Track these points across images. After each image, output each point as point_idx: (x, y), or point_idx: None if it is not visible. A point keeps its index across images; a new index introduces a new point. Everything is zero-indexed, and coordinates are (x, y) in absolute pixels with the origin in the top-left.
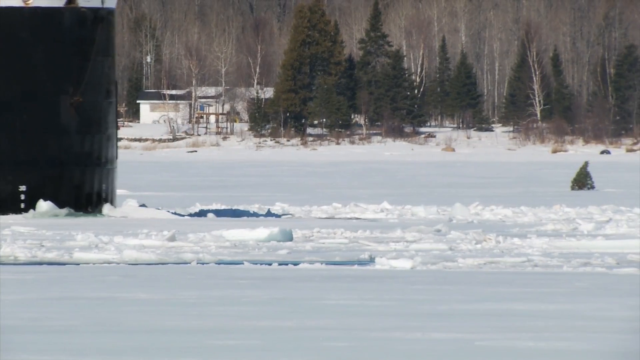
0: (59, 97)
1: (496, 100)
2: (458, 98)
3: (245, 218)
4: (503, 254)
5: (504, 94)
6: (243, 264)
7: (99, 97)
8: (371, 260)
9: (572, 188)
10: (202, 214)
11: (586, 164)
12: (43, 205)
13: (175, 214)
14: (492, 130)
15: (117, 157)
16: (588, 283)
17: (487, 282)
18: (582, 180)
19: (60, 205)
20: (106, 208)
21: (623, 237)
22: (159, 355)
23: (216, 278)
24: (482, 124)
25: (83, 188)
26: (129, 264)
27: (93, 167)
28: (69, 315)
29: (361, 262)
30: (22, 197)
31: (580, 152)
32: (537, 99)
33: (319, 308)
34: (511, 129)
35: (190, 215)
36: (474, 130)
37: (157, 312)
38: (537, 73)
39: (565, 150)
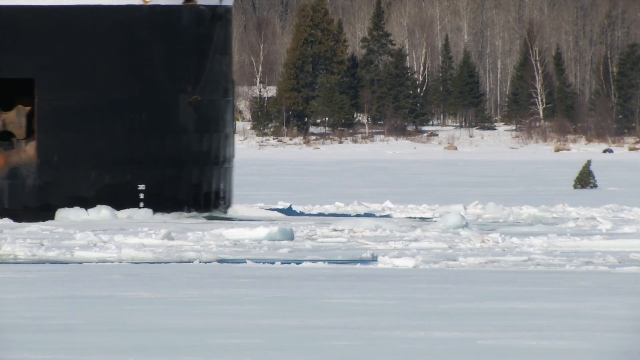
0: (177, 96)
1: (499, 99)
2: (460, 97)
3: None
4: (505, 252)
5: (507, 93)
6: (245, 262)
7: (217, 95)
8: (374, 259)
9: (575, 187)
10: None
11: (589, 162)
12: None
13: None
14: (495, 129)
15: (234, 156)
16: (590, 282)
17: (489, 281)
18: (585, 179)
19: (179, 205)
20: (231, 208)
21: (624, 237)
22: (161, 354)
23: (218, 277)
24: (485, 122)
25: (201, 187)
26: (131, 263)
27: (211, 166)
28: (70, 314)
29: (364, 261)
30: (141, 196)
31: (583, 150)
32: (539, 97)
33: (321, 307)
34: (514, 127)
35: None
36: (477, 128)
37: (160, 311)
38: (540, 72)
39: (568, 149)
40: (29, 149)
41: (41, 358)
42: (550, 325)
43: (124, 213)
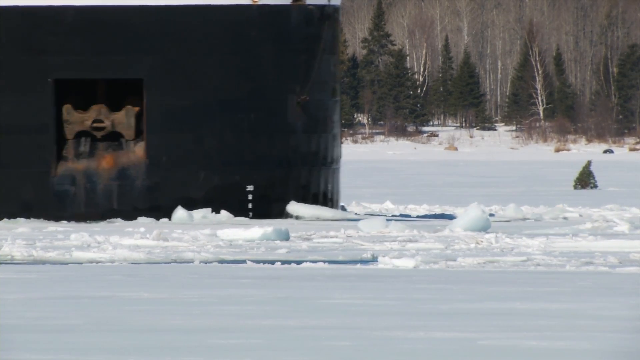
0: (286, 96)
1: (499, 100)
2: (461, 97)
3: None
4: (504, 253)
5: (507, 93)
6: (245, 262)
7: (325, 95)
8: (374, 259)
9: (575, 187)
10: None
11: (589, 163)
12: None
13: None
14: (495, 130)
15: (341, 157)
16: (590, 282)
17: (489, 282)
18: (585, 179)
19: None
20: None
21: (624, 237)
22: (161, 354)
23: (218, 277)
24: (485, 123)
25: (309, 188)
26: (130, 264)
27: (319, 166)
28: (71, 314)
29: (364, 261)
30: (249, 197)
31: (583, 151)
32: (539, 98)
33: (321, 307)
34: (514, 128)
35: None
36: (477, 129)
37: (160, 311)
38: (540, 72)
39: (568, 149)
40: (138, 150)
41: (41, 358)
42: (550, 325)
43: (199, 213)
